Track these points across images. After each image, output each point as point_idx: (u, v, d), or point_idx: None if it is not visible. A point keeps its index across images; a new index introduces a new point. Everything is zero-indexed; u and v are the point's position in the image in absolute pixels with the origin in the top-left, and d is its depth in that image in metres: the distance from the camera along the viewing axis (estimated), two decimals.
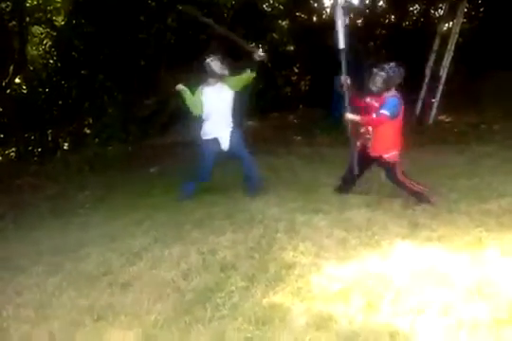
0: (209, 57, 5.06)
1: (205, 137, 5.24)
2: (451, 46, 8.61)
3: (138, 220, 4.74)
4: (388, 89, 4.65)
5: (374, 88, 4.65)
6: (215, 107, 5.14)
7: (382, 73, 4.60)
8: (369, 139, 4.77)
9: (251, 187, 5.41)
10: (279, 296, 3.28)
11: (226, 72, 5.09)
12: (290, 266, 3.66)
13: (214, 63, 5.02)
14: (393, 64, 4.66)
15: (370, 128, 4.75)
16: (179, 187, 5.43)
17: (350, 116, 4.72)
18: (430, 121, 8.45)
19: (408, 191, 4.82)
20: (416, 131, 7.57)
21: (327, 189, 5.34)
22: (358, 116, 4.73)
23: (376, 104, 4.67)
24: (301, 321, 3.00)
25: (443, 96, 8.57)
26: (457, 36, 8.65)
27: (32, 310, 3.33)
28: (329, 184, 5.50)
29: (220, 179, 5.93)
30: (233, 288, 3.40)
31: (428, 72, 8.91)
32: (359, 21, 12.50)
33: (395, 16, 12.65)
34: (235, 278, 3.52)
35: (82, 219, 5.02)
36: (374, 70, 4.65)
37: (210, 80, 5.09)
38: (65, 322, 3.15)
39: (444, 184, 5.21)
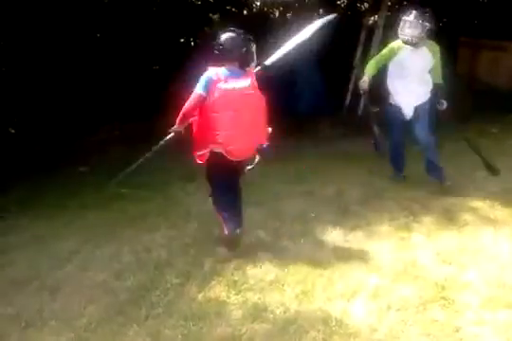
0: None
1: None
2: (377, 39, 8.87)
3: (68, 221, 4.54)
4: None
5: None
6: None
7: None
8: None
9: (439, 175, 4.87)
10: (214, 291, 3.29)
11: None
12: (226, 260, 3.67)
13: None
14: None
15: None
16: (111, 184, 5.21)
17: None
18: (360, 112, 8.67)
19: None
20: (346, 122, 7.75)
21: (260, 181, 5.35)
22: None
23: None
24: (237, 314, 3.03)
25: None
26: (382, 29, 8.91)
27: None
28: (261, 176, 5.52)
29: (153, 175, 5.82)
30: (168, 285, 3.37)
31: (356, 63, 9.12)
32: (288, 14, 12.61)
33: (324, 9, 12.86)
34: (170, 276, 3.49)
35: (8, 223, 4.76)
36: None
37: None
38: None
39: (373, 172, 5.37)
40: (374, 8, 9.73)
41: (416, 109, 4.72)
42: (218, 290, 3.30)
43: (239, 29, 3.62)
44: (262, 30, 11.30)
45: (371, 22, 10.04)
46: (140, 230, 4.29)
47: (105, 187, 5.01)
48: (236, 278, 3.42)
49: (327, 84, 8.60)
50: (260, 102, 3.66)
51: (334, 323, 2.87)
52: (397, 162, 5.10)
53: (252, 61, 3.63)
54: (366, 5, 12.11)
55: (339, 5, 13.36)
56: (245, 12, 12.82)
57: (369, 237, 3.92)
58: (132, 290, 3.33)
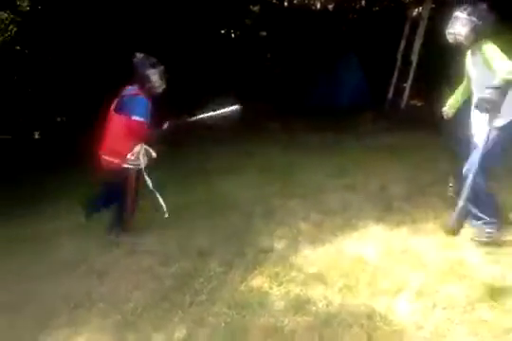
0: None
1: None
2: (421, 32, 8.68)
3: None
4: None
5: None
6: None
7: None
8: None
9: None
10: (257, 281, 3.31)
11: None
12: (267, 250, 3.69)
13: None
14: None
15: None
16: None
17: None
18: (403, 106, 8.54)
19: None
20: (388, 115, 7.64)
21: (303, 174, 5.35)
22: None
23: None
24: (279, 305, 3.04)
25: (414, 81, 8.66)
26: (426, 21, 8.71)
27: (9, 298, 3.28)
28: (304, 168, 5.52)
29: (196, 165, 5.92)
30: (212, 273, 3.42)
31: (399, 57, 8.97)
32: (330, 6, 12.48)
33: (366, 1, 12.65)
34: (213, 264, 3.54)
35: (56, 207, 4.93)
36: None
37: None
38: (43, 310, 3.11)
39: (419, 167, 5.26)
40: (419, 0, 9.52)
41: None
42: (260, 280, 3.32)
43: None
44: (303, 22, 11.27)
45: (415, 14, 9.84)
46: (183, 219, 4.35)
47: None
48: (278, 270, 3.43)
49: (369, 78, 8.50)
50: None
51: (378, 319, 2.84)
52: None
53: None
54: None
55: None
56: (285, 4, 12.76)
57: (413, 234, 3.84)
58: (176, 276, 3.39)
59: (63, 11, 8.85)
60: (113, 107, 3.98)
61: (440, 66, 7.35)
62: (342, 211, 4.30)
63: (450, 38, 3.60)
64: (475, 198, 3.54)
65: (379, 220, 4.09)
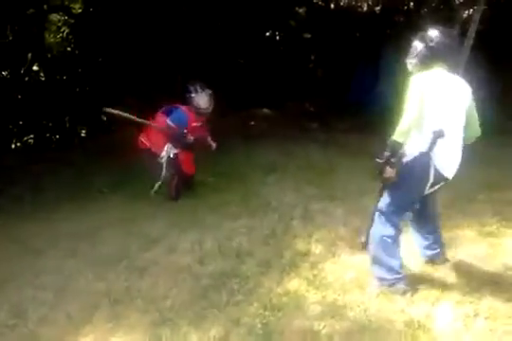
0: None
1: None
2: (471, 34, 8.42)
3: (155, 205, 4.77)
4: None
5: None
6: None
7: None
8: None
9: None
10: (294, 283, 3.30)
11: None
12: (305, 253, 3.68)
13: None
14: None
15: None
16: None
17: None
18: None
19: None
20: None
21: (344, 177, 5.30)
22: None
23: None
24: (315, 309, 3.01)
25: None
26: (477, 24, 8.45)
27: (50, 292, 3.38)
28: (344, 170, 5.47)
29: (235, 165, 5.95)
30: (249, 274, 3.43)
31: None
32: (377, 8, 12.31)
33: (414, 2, 12.41)
34: (250, 265, 3.55)
35: (100, 203, 5.06)
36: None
37: None
38: (83, 305, 3.20)
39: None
40: (470, 2, 9.26)
41: None
42: (297, 283, 3.30)
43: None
44: (349, 25, 11.17)
45: (465, 16, 9.58)
46: (222, 218, 4.40)
47: None
48: (315, 273, 3.41)
49: None
50: None
51: (417, 326, 2.78)
52: None
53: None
54: None
55: None
56: (332, 6, 12.67)
57: (455, 241, 3.74)
58: (214, 276, 3.42)
59: (114, 14, 9.11)
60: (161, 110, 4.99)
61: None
62: None
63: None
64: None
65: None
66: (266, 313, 2.99)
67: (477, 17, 8.48)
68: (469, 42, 8.36)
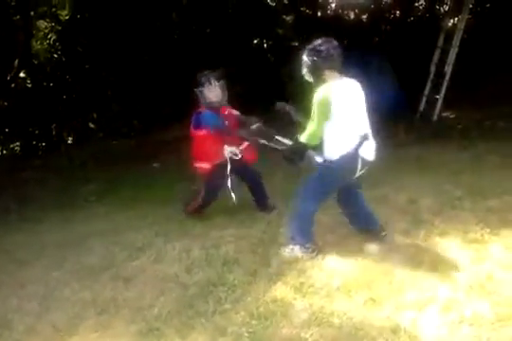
0: None
1: None
2: (456, 43, 8.55)
3: (142, 214, 4.75)
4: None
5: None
6: None
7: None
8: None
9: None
10: (281, 291, 3.30)
11: None
12: (292, 261, 3.67)
13: None
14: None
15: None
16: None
17: None
18: (435, 118, 8.41)
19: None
20: (420, 127, 7.54)
21: None
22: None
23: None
24: (303, 316, 3.02)
25: (447, 92, 8.54)
26: (462, 32, 8.58)
27: (36, 302, 3.35)
28: None
29: None
30: (236, 282, 3.42)
31: (432, 68, 8.85)
32: (364, 16, 12.46)
33: (400, 11, 12.58)
34: (237, 273, 3.55)
35: (86, 212, 5.04)
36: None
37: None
38: (69, 315, 3.17)
39: (448, 180, 5.18)
40: (455, 11, 9.40)
41: None
42: (284, 291, 3.31)
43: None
44: (336, 32, 11.27)
45: (450, 25, 9.71)
46: (209, 227, 4.39)
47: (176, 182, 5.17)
48: (303, 280, 3.41)
49: (402, 89, 8.42)
50: None
51: (403, 333, 2.79)
52: None
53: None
54: (445, 7, 11.73)
55: (417, 7, 13.04)
56: (319, 14, 12.79)
57: (441, 248, 3.77)
58: (201, 285, 3.42)
59: (101, 20, 9.12)
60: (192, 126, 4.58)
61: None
62: None
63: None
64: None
65: (407, 233, 4.04)
66: (253, 321, 2.99)
67: (461, 25, 8.63)
68: (455, 49, 8.50)
